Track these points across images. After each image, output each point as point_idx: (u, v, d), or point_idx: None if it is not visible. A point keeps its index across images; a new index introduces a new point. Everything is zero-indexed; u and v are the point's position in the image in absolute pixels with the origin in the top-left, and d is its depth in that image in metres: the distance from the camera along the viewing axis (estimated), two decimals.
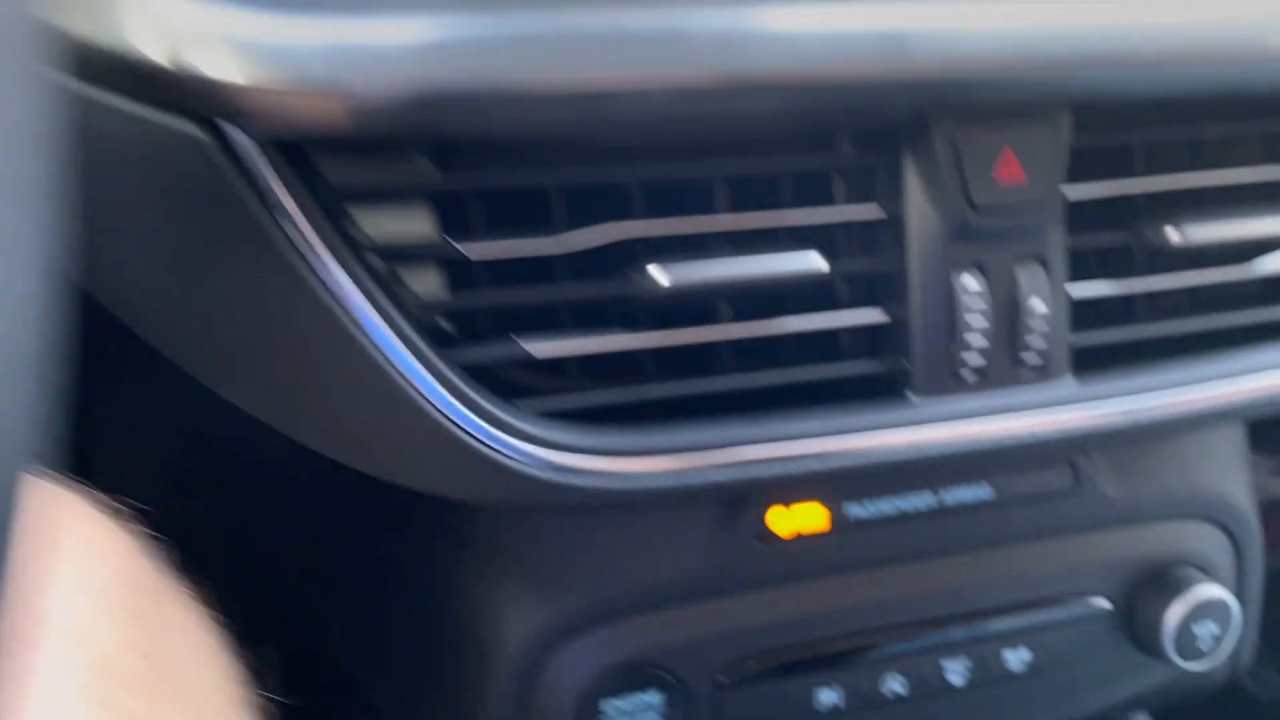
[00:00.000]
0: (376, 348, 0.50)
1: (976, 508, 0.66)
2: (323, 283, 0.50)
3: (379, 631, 0.72)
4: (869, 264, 0.57)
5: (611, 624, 0.62)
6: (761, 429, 0.55)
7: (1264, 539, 1.48)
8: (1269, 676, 1.41)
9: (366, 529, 0.71)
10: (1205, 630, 0.69)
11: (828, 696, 0.66)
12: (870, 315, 0.57)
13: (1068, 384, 0.59)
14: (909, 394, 0.57)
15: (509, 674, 0.62)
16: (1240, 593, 0.73)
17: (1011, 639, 0.68)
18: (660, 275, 0.52)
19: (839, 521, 0.64)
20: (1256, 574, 0.73)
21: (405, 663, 0.70)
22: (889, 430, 0.57)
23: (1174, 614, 0.68)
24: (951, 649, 0.67)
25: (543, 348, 0.52)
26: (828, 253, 0.56)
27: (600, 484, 0.53)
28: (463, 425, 0.51)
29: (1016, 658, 0.68)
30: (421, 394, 0.50)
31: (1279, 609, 1.37)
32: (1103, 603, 0.70)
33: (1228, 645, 0.70)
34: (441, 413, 0.50)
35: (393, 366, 0.50)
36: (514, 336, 0.52)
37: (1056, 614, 0.69)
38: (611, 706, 0.62)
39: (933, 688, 0.67)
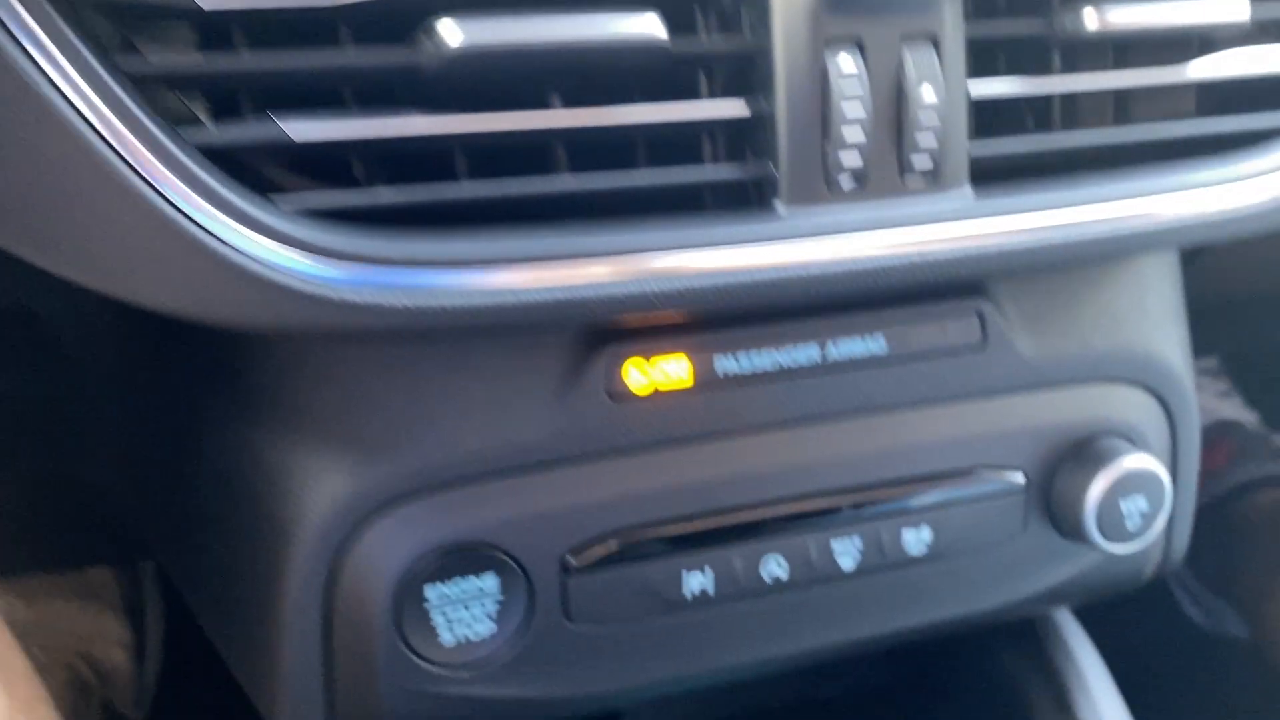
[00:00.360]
0: (89, 124, 0.40)
1: (868, 364, 0.57)
2: (21, 46, 0.39)
3: (182, 515, 0.62)
4: (725, 42, 0.47)
5: (436, 496, 0.53)
6: (595, 239, 0.45)
7: (1208, 463, 1.41)
8: (1214, 606, 1.35)
9: (164, 392, 0.60)
10: (1133, 506, 0.60)
11: (697, 581, 0.57)
12: (729, 108, 0.47)
13: (964, 195, 0.49)
14: (776, 204, 0.48)
15: (312, 556, 0.52)
16: (1174, 467, 0.64)
17: (911, 517, 0.59)
18: (450, 33, 0.42)
19: (706, 376, 0.55)
20: (1192, 448, 0.64)
21: (206, 550, 0.60)
22: (752, 245, 0.47)
23: (1097, 487, 0.59)
24: (841, 528, 0.58)
25: (305, 129, 0.42)
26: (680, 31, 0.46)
27: (382, 301, 0.42)
28: (198, 220, 0.40)
29: (916, 539, 0.59)
30: (147, 180, 0.40)
31: (1221, 536, 1.30)
32: (1016, 476, 0.61)
33: (1158, 525, 0.61)
34: (172, 204, 0.40)
35: (110, 147, 0.40)
36: (271, 115, 0.42)
37: (963, 489, 0.60)
38: (437, 593, 0.53)
39: (819, 572, 0.58)
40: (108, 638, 0.99)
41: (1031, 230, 0.49)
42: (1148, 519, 0.61)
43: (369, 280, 0.42)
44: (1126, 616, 1.08)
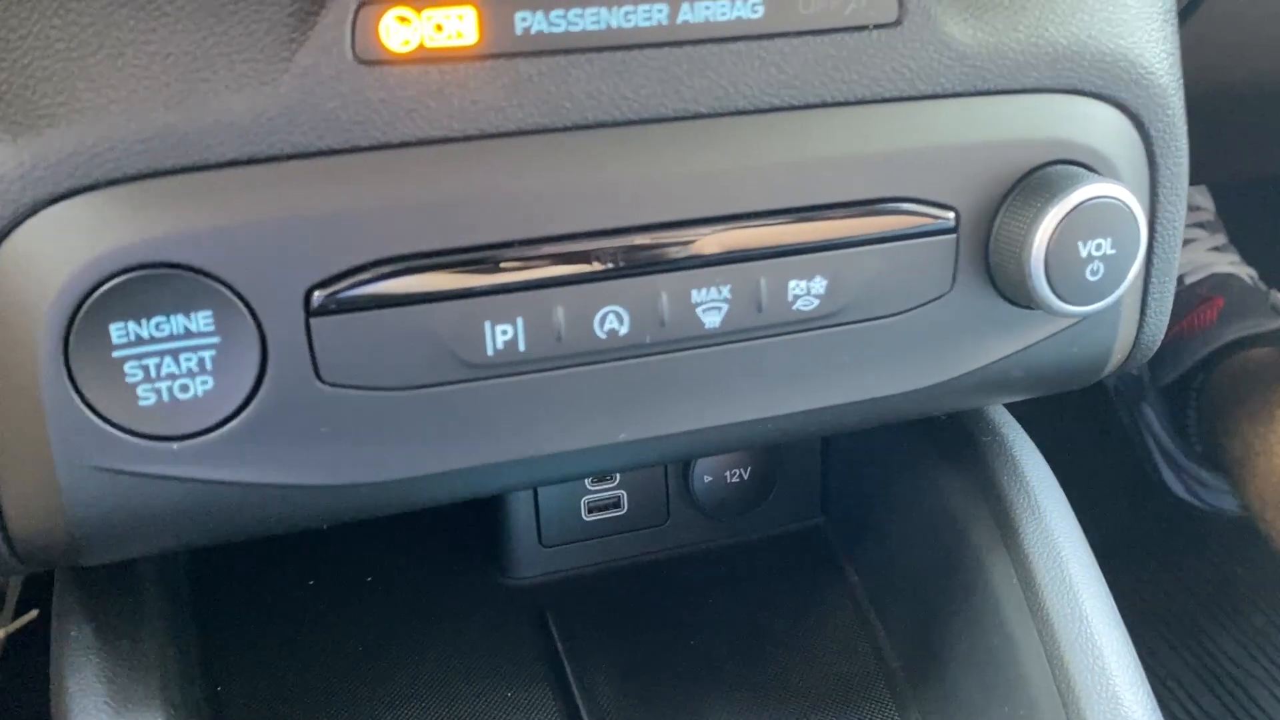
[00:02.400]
0: None
1: (739, 36, 0.42)
2: None
3: None
4: None
5: (111, 192, 0.37)
6: None
7: (1198, 320, 1.25)
8: (1201, 478, 1.22)
9: None
10: (1094, 249, 0.45)
11: (500, 334, 0.42)
12: None
13: None
14: None
15: None
16: (1152, 209, 0.49)
17: (799, 263, 0.44)
18: None
19: (500, 36, 0.39)
20: (1177, 187, 0.49)
21: None
22: None
23: (1048, 223, 0.44)
24: (703, 273, 0.43)
25: None
26: None
27: None
28: None
29: (806, 292, 0.45)
30: None
31: (1210, 398, 1.16)
32: (941, 212, 0.45)
33: (1128, 278, 0.46)
34: None
35: None
36: None
37: (870, 227, 0.45)
38: (128, 333, 0.38)
39: (673, 331, 0.43)
40: None
41: None
42: (1114, 269, 0.46)
43: None
44: (1100, 492, 0.94)
